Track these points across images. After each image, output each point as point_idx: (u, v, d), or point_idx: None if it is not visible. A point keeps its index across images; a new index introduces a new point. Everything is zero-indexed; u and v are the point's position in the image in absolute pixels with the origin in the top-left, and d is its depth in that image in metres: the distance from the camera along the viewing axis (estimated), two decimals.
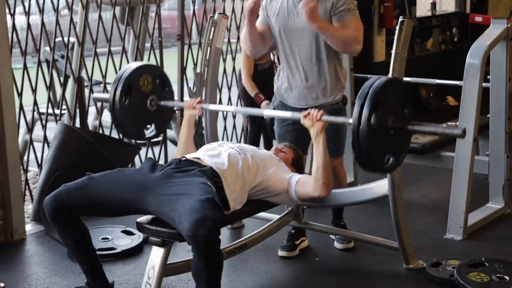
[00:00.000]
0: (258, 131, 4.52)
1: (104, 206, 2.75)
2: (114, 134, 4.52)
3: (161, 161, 4.50)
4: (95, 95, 3.60)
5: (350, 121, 2.61)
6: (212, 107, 3.44)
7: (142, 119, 3.31)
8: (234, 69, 5.22)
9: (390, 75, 2.96)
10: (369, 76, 4.06)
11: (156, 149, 4.55)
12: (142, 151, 4.33)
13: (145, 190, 2.67)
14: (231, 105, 5.20)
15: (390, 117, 2.62)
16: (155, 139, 5.10)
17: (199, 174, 2.69)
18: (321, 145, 2.80)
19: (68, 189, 2.75)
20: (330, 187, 2.88)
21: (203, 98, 3.57)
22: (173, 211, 2.55)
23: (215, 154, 2.89)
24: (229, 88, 5.21)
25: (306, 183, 2.89)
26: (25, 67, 4.18)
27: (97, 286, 2.85)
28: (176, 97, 4.74)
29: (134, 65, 3.31)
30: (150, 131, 3.38)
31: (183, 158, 2.86)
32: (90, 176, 2.79)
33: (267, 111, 3.31)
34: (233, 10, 5.12)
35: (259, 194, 2.92)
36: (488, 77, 3.81)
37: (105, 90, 4.46)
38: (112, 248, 3.44)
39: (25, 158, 4.37)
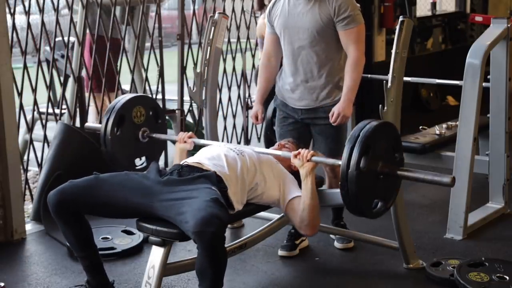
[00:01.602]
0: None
1: (111, 208, 2.75)
2: None
3: (161, 161, 4.49)
4: (87, 124, 3.58)
5: (339, 162, 2.57)
6: (202, 142, 3.27)
7: (133, 150, 3.28)
8: (234, 69, 5.22)
9: (389, 77, 2.96)
10: (369, 76, 4.08)
11: None
12: None
13: (152, 196, 2.68)
14: (231, 104, 5.20)
15: (380, 162, 2.59)
16: None
17: (203, 181, 2.70)
18: (310, 185, 2.76)
19: (75, 186, 2.75)
20: (317, 228, 2.86)
21: (203, 97, 3.58)
22: (180, 214, 2.56)
23: (214, 156, 2.89)
24: (229, 88, 5.21)
25: (294, 212, 2.85)
26: (25, 67, 4.18)
27: (96, 283, 2.85)
28: (176, 97, 4.78)
29: (128, 96, 3.28)
30: (141, 162, 3.35)
31: (185, 164, 2.85)
32: (97, 176, 2.78)
33: (258, 148, 3.24)
34: (233, 10, 5.12)
35: (254, 197, 2.91)
36: (488, 77, 3.81)
37: (105, 89, 4.46)
38: (112, 248, 3.44)
39: (25, 157, 4.37)
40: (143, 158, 3.34)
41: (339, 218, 3.64)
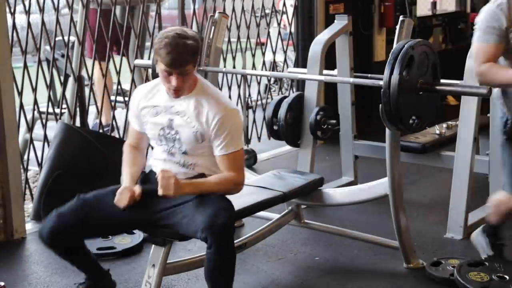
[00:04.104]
0: None
1: (107, 229, 2.78)
2: (115, 134, 4.52)
3: None
4: (137, 61, 3.57)
5: (381, 83, 2.76)
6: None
7: None
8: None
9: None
10: (369, 75, 4.07)
11: None
12: None
13: (147, 209, 2.65)
14: None
15: (420, 78, 2.77)
16: None
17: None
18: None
19: (64, 218, 2.69)
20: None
21: None
22: (185, 217, 2.57)
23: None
24: (229, 88, 5.21)
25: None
26: (25, 66, 4.18)
27: (94, 277, 2.88)
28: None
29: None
30: None
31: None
32: (84, 199, 2.72)
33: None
34: (233, 9, 5.12)
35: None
36: None
37: (105, 88, 4.46)
38: (112, 247, 3.44)
39: (25, 157, 4.36)
40: None
41: None
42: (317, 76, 3.81)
